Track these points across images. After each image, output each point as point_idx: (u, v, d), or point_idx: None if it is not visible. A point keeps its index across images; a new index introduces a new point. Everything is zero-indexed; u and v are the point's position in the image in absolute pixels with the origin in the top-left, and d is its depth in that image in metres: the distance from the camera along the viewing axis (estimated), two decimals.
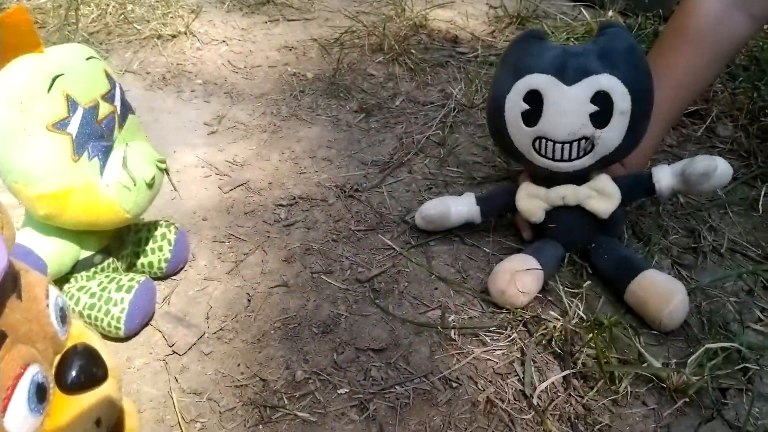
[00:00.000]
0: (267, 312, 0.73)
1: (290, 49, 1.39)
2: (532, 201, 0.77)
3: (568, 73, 0.68)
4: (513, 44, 0.75)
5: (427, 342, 0.70)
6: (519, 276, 0.71)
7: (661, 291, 0.69)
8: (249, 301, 0.75)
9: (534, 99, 0.70)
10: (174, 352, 0.68)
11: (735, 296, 0.77)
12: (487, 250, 0.84)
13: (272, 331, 0.71)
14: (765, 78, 1.21)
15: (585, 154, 0.70)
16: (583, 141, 0.69)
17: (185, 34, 1.40)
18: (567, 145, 0.70)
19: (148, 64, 1.30)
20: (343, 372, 0.66)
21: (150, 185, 0.65)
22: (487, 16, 1.59)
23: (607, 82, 0.67)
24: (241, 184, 0.95)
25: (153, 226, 0.76)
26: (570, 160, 0.71)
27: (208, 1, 1.58)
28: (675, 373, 0.63)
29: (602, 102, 0.67)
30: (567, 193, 0.74)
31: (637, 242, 0.85)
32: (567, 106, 0.68)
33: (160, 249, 0.75)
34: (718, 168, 0.70)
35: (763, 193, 0.93)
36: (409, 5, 1.56)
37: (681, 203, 0.93)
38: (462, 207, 0.82)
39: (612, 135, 0.69)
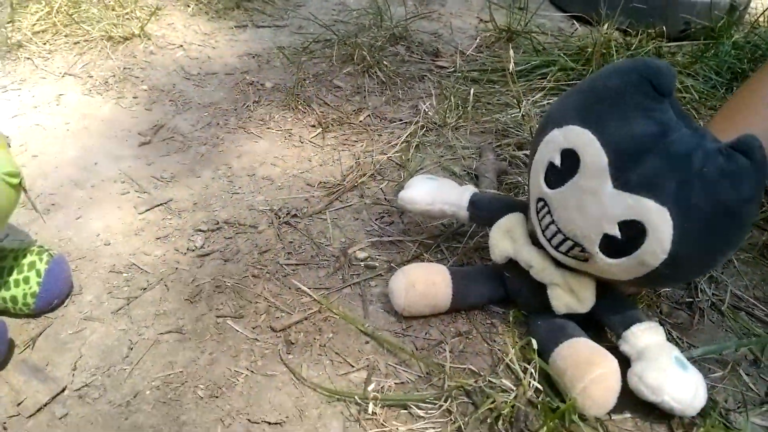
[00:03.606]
0: (148, 365, 0.59)
1: (253, 57, 1.27)
2: (503, 240, 0.62)
3: (630, 172, 0.47)
4: (616, 72, 0.50)
5: (342, 415, 0.55)
6: (413, 285, 0.62)
7: (580, 361, 0.53)
8: (130, 349, 0.60)
9: (569, 161, 0.51)
10: (18, 413, 0.54)
11: (737, 368, 0.62)
12: None
13: (147, 392, 0.56)
14: None
15: (574, 258, 0.55)
16: (578, 249, 0.53)
17: (139, 36, 1.27)
18: (560, 235, 0.54)
19: (93, 67, 1.17)
20: None
21: None
22: (476, 30, 1.46)
23: (658, 219, 0.46)
24: (160, 204, 0.82)
25: (21, 252, 0.62)
26: (555, 248, 0.56)
27: (171, 3, 1.46)
28: None
29: (631, 233, 0.48)
30: (534, 265, 0.59)
31: None
32: (589, 206, 0.50)
33: (26, 281, 0.61)
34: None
35: None
36: (390, 15, 1.43)
37: None
38: (448, 207, 0.69)
39: (616, 271, 0.52)
